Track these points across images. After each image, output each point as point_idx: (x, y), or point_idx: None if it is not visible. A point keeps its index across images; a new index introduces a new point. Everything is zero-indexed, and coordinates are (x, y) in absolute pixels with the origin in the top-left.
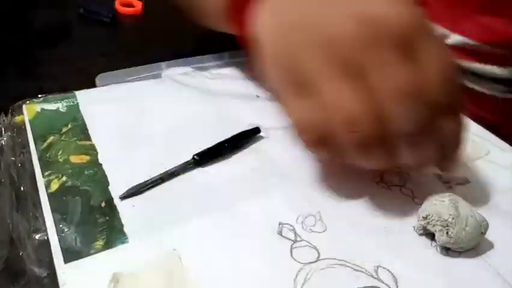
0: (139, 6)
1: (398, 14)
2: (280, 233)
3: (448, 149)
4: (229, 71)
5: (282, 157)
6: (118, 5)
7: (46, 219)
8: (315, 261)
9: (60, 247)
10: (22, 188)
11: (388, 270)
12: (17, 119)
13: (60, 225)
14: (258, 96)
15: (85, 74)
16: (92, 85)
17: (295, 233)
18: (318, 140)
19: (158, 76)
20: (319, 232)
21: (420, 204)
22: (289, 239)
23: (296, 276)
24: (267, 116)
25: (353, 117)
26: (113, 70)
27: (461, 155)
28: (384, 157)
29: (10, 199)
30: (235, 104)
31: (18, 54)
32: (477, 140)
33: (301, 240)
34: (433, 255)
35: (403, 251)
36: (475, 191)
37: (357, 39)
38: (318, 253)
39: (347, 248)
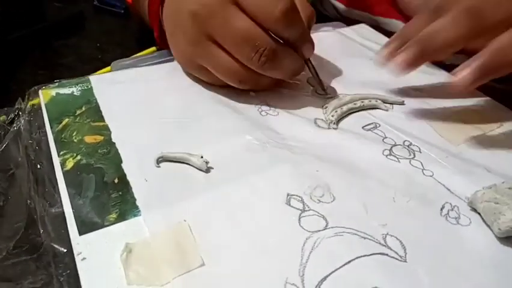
0: None
1: None
2: (288, 203)
3: (301, 39)
4: None
5: (289, 131)
6: None
7: (62, 195)
8: (323, 230)
9: (75, 220)
10: (39, 167)
11: (396, 237)
12: (33, 101)
13: (75, 200)
14: None
15: (100, 63)
16: None
17: (303, 203)
18: None
19: (170, 61)
20: (327, 202)
21: (430, 176)
22: (297, 209)
23: (304, 244)
24: (277, 95)
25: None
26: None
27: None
28: (268, 79)
29: (28, 180)
30: None
31: (35, 46)
32: (488, 113)
33: (309, 210)
34: (442, 224)
35: (412, 221)
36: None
37: (194, 18)
38: (326, 222)
39: (355, 217)
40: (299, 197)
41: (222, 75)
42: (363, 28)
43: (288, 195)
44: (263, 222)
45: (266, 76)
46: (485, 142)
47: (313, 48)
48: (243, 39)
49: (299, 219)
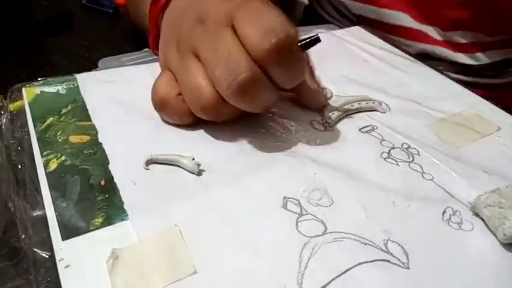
0: None
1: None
2: (284, 206)
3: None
4: None
5: (285, 133)
6: None
7: (44, 197)
8: (322, 235)
9: (58, 224)
10: (20, 167)
11: (398, 243)
12: (15, 105)
13: (58, 202)
14: None
15: (87, 62)
16: None
17: (300, 207)
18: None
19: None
20: (325, 206)
21: (430, 180)
22: (295, 213)
23: (302, 250)
24: None
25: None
26: None
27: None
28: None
29: (8, 181)
30: None
31: (21, 43)
32: (486, 116)
33: (307, 214)
34: (445, 230)
35: (413, 226)
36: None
37: (191, 29)
38: (325, 226)
39: (355, 221)
40: (296, 200)
41: (187, 91)
42: (357, 30)
43: (284, 198)
44: (259, 227)
45: (229, 107)
46: (484, 146)
47: (325, 100)
48: (221, 60)
49: (296, 224)
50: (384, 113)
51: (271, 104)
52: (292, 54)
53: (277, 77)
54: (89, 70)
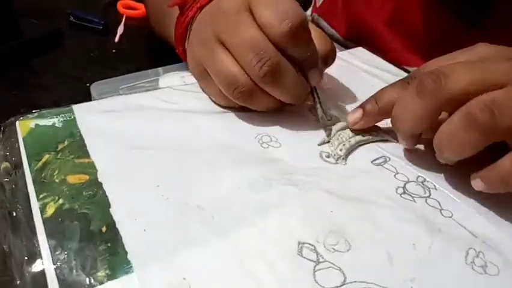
0: (142, 8)
1: None
2: (300, 253)
3: (308, 63)
4: None
5: (295, 166)
6: (120, 8)
7: (42, 248)
8: (342, 285)
9: (58, 279)
10: (15, 214)
11: None
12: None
13: (57, 253)
14: None
15: (79, 83)
16: (86, 93)
17: (316, 253)
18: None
19: (155, 81)
20: (342, 252)
21: (450, 217)
22: (311, 260)
23: None
24: (277, 124)
25: (233, 77)
26: (107, 78)
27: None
28: (267, 98)
29: (5, 223)
30: (243, 112)
31: (8, 64)
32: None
33: (324, 261)
34: (469, 275)
35: (438, 273)
36: None
37: (210, 21)
38: (344, 276)
39: (375, 268)
40: (312, 245)
41: (220, 80)
42: (361, 52)
43: (299, 243)
44: (275, 279)
45: (263, 93)
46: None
47: (321, 77)
48: (249, 46)
49: (314, 273)
50: (397, 142)
51: (301, 93)
52: (307, 35)
53: (296, 56)
54: (81, 91)
